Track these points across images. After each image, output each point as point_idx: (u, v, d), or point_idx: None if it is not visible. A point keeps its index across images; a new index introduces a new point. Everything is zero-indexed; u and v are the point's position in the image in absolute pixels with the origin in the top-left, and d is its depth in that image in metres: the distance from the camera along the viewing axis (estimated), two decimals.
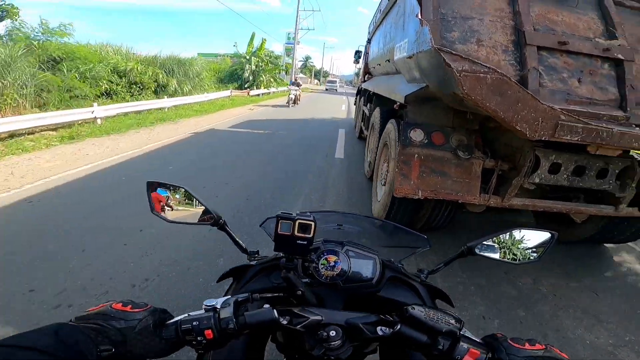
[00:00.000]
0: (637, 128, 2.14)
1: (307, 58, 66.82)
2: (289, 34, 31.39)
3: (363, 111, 7.10)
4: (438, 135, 2.44)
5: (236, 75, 20.25)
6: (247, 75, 19.57)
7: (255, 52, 20.41)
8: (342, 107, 17.17)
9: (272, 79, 22.55)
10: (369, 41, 6.61)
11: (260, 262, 0.77)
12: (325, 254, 0.70)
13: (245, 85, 19.51)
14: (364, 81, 6.95)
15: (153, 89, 12.78)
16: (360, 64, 8.59)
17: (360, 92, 8.41)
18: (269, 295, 0.61)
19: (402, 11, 3.13)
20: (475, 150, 2.43)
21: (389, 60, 3.91)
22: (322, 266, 0.69)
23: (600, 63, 2.36)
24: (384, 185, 3.30)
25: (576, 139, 1.90)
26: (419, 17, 2.16)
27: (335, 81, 42.67)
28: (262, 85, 20.54)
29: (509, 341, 0.48)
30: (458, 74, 1.75)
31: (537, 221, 3.86)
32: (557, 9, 2.52)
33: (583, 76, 2.31)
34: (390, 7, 3.99)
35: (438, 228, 3.10)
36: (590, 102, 2.26)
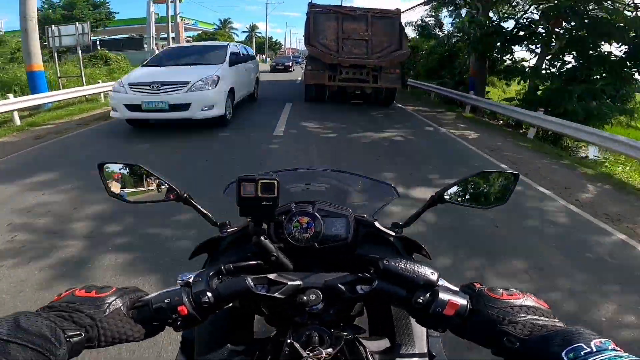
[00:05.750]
0: (369, 60, 8.16)
1: (253, 28, 54.07)
2: None
3: None
4: (315, 66, 8.36)
5: None
6: None
7: None
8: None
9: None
10: None
11: (231, 232, 0.73)
12: (297, 215, 0.69)
13: None
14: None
15: None
16: None
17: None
18: (243, 264, 0.59)
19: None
20: (325, 69, 8.33)
21: None
22: (295, 229, 0.68)
23: (362, 41, 8.38)
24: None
25: (340, 63, 8.15)
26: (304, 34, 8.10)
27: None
28: None
29: (487, 291, 0.47)
30: (310, 51, 7.99)
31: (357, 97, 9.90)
32: (352, 23, 8.48)
33: (356, 47, 8.33)
34: None
35: (321, 99, 9.03)
36: (357, 55, 8.28)
